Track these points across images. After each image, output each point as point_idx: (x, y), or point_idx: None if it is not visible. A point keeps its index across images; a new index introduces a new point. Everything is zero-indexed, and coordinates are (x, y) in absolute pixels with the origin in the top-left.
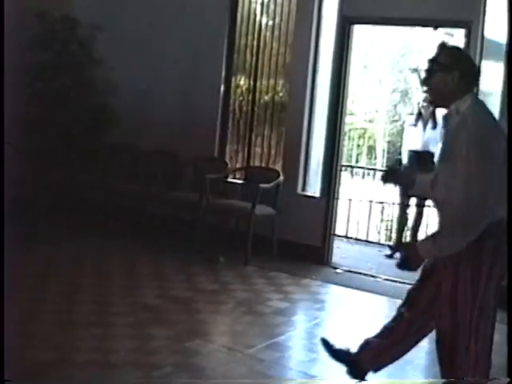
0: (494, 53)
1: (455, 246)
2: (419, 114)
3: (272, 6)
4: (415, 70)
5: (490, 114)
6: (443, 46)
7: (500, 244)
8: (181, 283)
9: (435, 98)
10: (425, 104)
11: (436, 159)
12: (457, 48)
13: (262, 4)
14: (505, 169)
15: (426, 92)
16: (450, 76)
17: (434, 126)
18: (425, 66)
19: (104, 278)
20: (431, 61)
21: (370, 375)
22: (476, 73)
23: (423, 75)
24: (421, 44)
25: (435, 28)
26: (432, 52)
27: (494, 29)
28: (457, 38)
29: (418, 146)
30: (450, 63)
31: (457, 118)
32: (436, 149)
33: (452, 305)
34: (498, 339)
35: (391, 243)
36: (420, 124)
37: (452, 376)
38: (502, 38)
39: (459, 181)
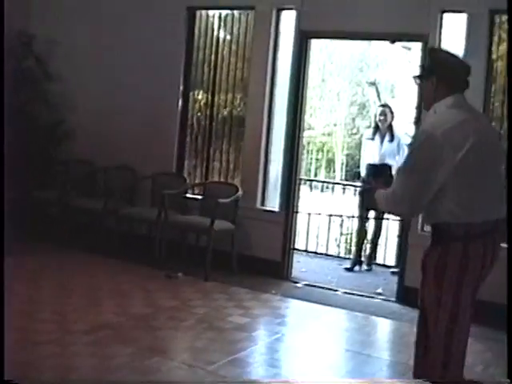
0: None
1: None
2: (376, 128)
3: (230, 21)
4: (372, 84)
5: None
6: (429, 52)
7: (470, 250)
8: (140, 300)
9: (423, 101)
10: (382, 117)
11: (394, 172)
12: (440, 52)
13: (220, 18)
14: (471, 177)
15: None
16: (430, 81)
17: (391, 139)
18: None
19: (62, 296)
20: (420, 67)
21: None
22: (457, 75)
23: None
24: (378, 57)
25: (392, 42)
26: (389, 65)
27: (450, 42)
28: (414, 51)
29: (375, 159)
30: (429, 68)
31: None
32: (393, 161)
33: (423, 304)
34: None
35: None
36: (377, 137)
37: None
38: (459, 51)
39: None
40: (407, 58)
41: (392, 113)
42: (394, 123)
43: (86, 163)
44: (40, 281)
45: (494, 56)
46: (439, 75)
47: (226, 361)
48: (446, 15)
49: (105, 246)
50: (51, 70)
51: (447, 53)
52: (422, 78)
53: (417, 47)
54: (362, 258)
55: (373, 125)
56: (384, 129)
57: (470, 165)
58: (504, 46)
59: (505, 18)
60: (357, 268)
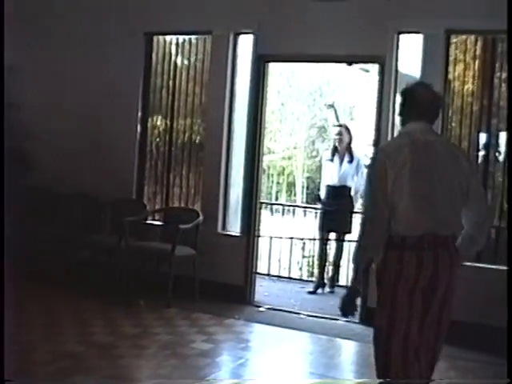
0: None
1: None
2: (335, 149)
3: (187, 46)
4: (331, 106)
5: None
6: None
7: (404, 259)
8: (102, 328)
9: None
10: (338, 137)
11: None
12: (407, 87)
13: (177, 44)
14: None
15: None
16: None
17: (351, 160)
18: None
19: (22, 325)
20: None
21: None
22: (409, 107)
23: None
24: (337, 80)
25: (349, 64)
26: (348, 87)
27: (407, 63)
28: (373, 73)
29: (334, 181)
30: (401, 101)
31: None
32: (353, 183)
33: None
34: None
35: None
36: (336, 158)
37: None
38: (416, 72)
39: None
40: (366, 80)
41: (349, 133)
42: (352, 144)
43: (45, 191)
44: None
45: (450, 76)
46: (401, 107)
47: None
48: (402, 36)
49: (65, 274)
50: (8, 96)
51: (418, 85)
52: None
53: (375, 69)
54: (325, 281)
55: (332, 146)
56: (342, 149)
57: (406, 183)
58: (460, 67)
59: (461, 38)
60: (320, 290)
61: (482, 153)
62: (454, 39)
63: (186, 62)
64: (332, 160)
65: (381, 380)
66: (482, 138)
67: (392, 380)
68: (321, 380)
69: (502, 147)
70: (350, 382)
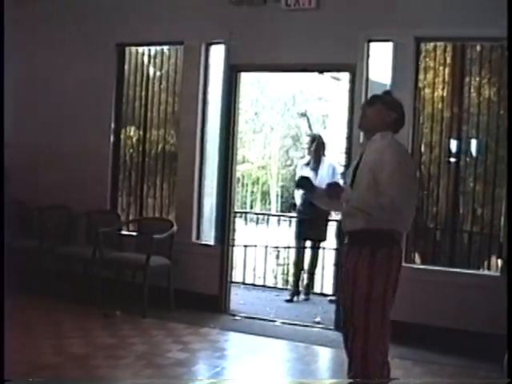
0: None
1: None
2: (310, 158)
3: (159, 57)
4: (303, 115)
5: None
6: (388, 91)
7: (401, 251)
8: (78, 339)
9: (368, 125)
10: (309, 146)
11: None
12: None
13: (149, 55)
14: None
15: (360, 119)
16: (389, 112)
17: (326, 168)
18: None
19: None
20: (376, 96)
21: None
22: (403, 120)
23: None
24: (309, 89)
25: (320, 72)
26: (320, 96)
27: (378, 71)
28: (344, 81)
29: None
30: (393, 103)
31: (380, 143)
32: None
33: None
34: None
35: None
36: (311, 167)
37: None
38: (386, 80)
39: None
40: (338, 88)
41: (322, 142)
42: (326, 153)
43: (19, 203)
44: None
45: (420, 84)
46: (399, 115)
47: None
48: (372, 45)
49: (41, 285)
50: None
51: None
52: (382, 106)
53: (346, 77)
54: (300, 288)
55: (307, 155)
56: (316, 158)
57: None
58: (430, 74)
59: (430, 45)
60: (295, 298)
61: (453, 159)
62: (423, 47)
63: (158, 72)
64: (308, 164)
65: (355, 379)
66: (453, 144)
67: (363, 379)
68: (297, 380)
69: (473, 153)
70: (325, 382)
